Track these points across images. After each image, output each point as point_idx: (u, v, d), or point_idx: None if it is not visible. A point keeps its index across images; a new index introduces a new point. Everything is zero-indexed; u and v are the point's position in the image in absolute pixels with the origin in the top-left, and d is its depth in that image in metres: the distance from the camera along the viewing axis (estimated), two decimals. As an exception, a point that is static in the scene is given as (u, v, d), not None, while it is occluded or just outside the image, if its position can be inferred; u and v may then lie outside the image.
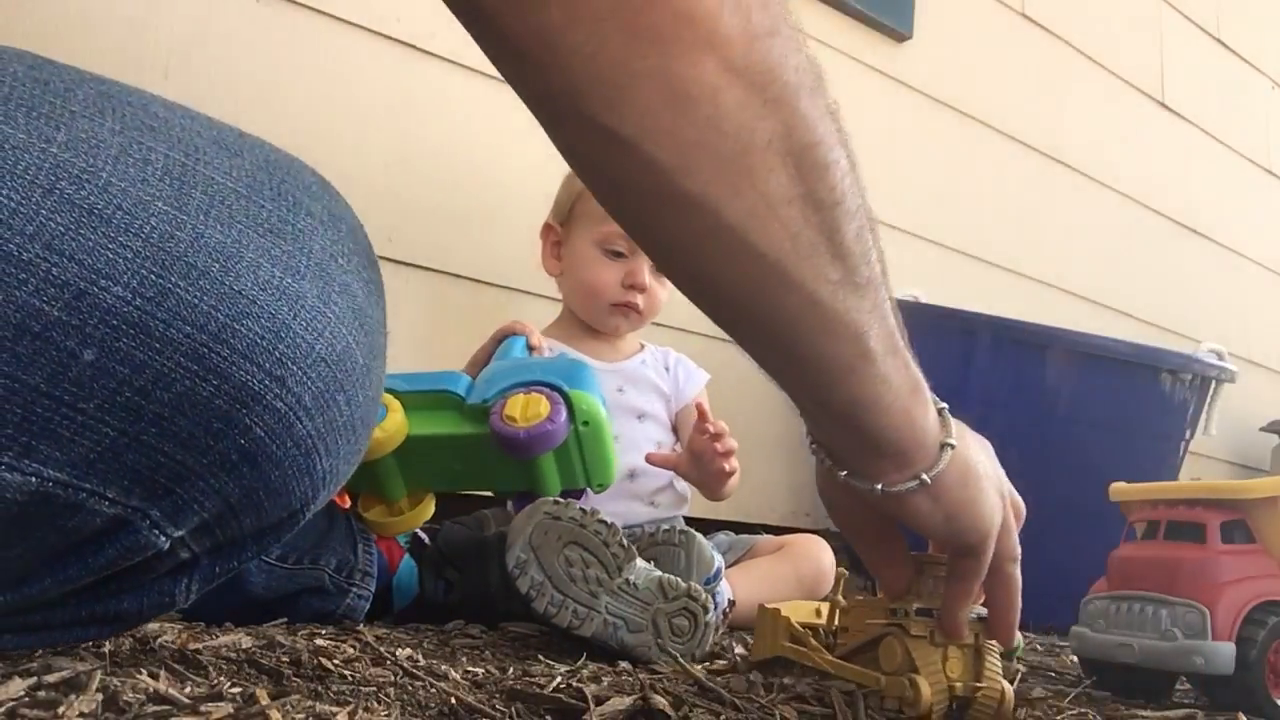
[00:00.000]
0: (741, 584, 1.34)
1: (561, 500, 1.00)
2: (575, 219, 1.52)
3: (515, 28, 0.41)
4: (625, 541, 1.00)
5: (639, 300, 1.48)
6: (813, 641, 0.84)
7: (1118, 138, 2.73)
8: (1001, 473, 0.71)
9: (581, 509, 1.00)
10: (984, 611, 0.75)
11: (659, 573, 1.00)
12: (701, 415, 1.38)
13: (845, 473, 0.65)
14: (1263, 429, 2.87)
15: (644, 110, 0.44)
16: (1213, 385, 2.01)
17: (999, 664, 0.77)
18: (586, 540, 0.98)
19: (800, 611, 0.87)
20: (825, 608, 0.87)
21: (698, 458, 1.39)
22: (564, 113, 0.44)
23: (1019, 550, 0.71)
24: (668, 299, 1.53)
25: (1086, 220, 2.63)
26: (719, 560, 1.27)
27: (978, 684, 0.75)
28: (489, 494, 1.50)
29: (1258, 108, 3.15)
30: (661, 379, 1.54)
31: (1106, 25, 2.71)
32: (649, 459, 1.40)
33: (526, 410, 0.99)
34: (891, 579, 0.76)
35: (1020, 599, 0.72)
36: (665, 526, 1.28)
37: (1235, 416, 2.51)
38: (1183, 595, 0.96)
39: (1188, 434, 2.02)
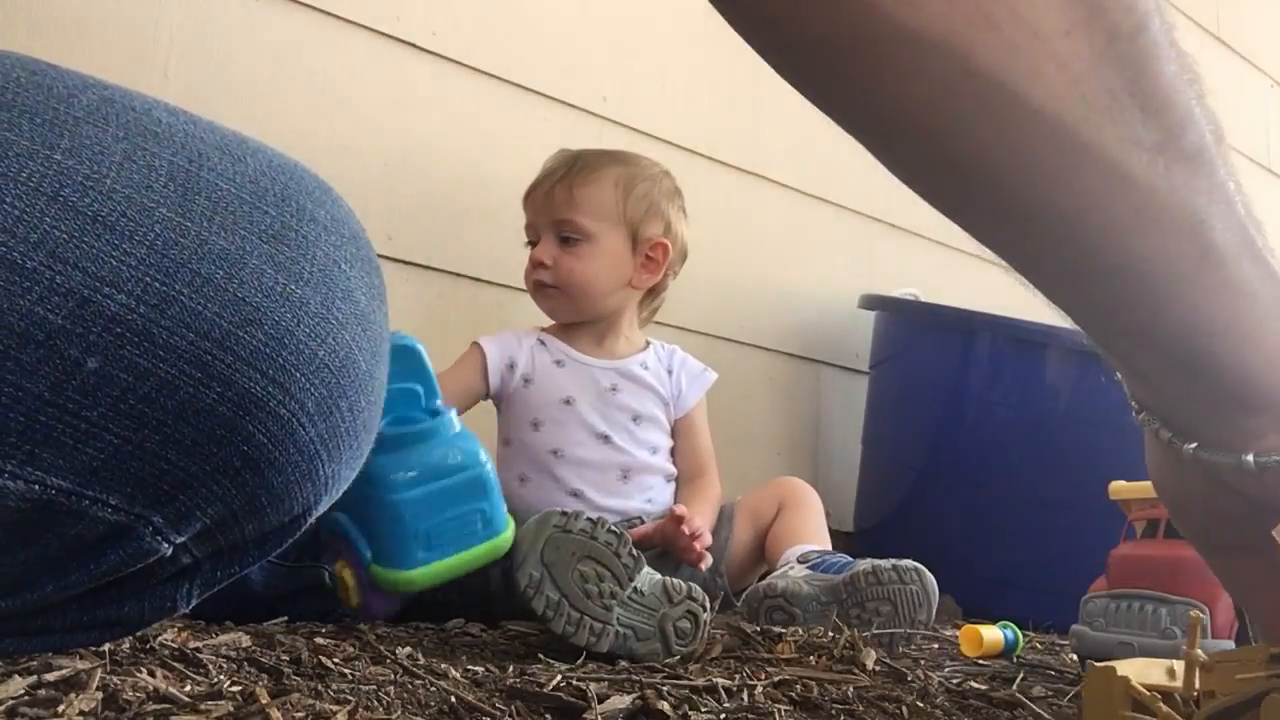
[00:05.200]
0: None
1: (568, 511, 1.00)
2: None
3: None
4: (635, 551, 1.00)
5: (544, 276, 1.48)
6: (1163, 708, 0.63)
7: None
8: None
9: (590, 519, 0.99)
10: None
11: (660, 576, 1.00)
12: (679, 518, 1.35)
13: (1194, 444, 0.46)
14: (1262, 427, 2.87)
15: None
16: (1212, 384, 2.01)
17: None
18: (599, 553, 0.98)
19: (1146, 671, 0.68)
20: (1180, 667, 0.66)
21: (670, 543, 1.37)
22: None
23: None
24: (584, 270, 1.48)
25: (1086, 219, 2.63)
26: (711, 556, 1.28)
27: None
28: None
29: (1258, 107, 3.15)
30: (661, 383, 1.53)
31: (1106, 23, 2.71)
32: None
33: (347, 585, 1.01)
34: (1273, 611, 0.53)
35: None
36: (659, 521, 1.29)
37: (1234, 415, 2.51)
38: (1182, 594, 0.96)
39: (1187, 432, 2.02)
